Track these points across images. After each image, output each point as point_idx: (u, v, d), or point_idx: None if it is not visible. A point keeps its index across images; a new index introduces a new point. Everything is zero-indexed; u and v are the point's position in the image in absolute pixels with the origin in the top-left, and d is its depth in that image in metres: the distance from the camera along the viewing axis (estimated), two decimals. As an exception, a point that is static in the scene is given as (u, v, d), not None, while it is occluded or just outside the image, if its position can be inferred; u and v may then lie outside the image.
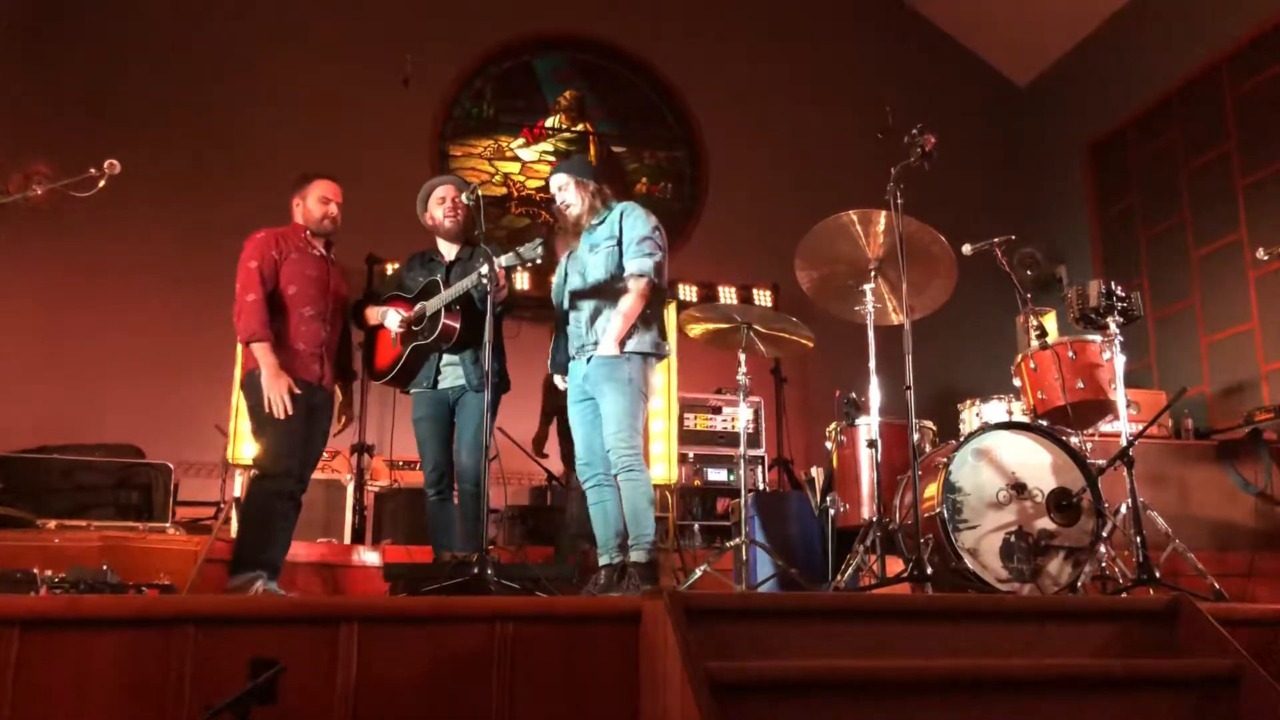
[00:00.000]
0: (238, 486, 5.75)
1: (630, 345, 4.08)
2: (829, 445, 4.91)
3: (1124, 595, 3.83)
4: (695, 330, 4.83)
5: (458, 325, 4.28)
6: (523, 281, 7.73)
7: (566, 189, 4.29)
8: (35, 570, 3.41)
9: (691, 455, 7.09)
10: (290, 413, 4.02)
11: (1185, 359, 7.88)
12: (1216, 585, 4.06)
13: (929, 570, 3.64)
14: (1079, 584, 3.87)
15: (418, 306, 4.38)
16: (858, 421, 4.72)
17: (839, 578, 4.22)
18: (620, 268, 4.17)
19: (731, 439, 7.14)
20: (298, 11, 8.78)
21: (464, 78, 9.21)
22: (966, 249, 4.71)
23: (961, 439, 4.12)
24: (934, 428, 4.91)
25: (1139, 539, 3.94)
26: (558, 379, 4.46)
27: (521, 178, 9.27)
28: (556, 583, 3.86)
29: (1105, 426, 4.93)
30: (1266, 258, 4.87)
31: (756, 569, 4.86)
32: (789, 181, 9.14)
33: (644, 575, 3.95)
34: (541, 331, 5.52)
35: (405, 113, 8.67)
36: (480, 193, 4.13)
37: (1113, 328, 4.28)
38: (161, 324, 7.80)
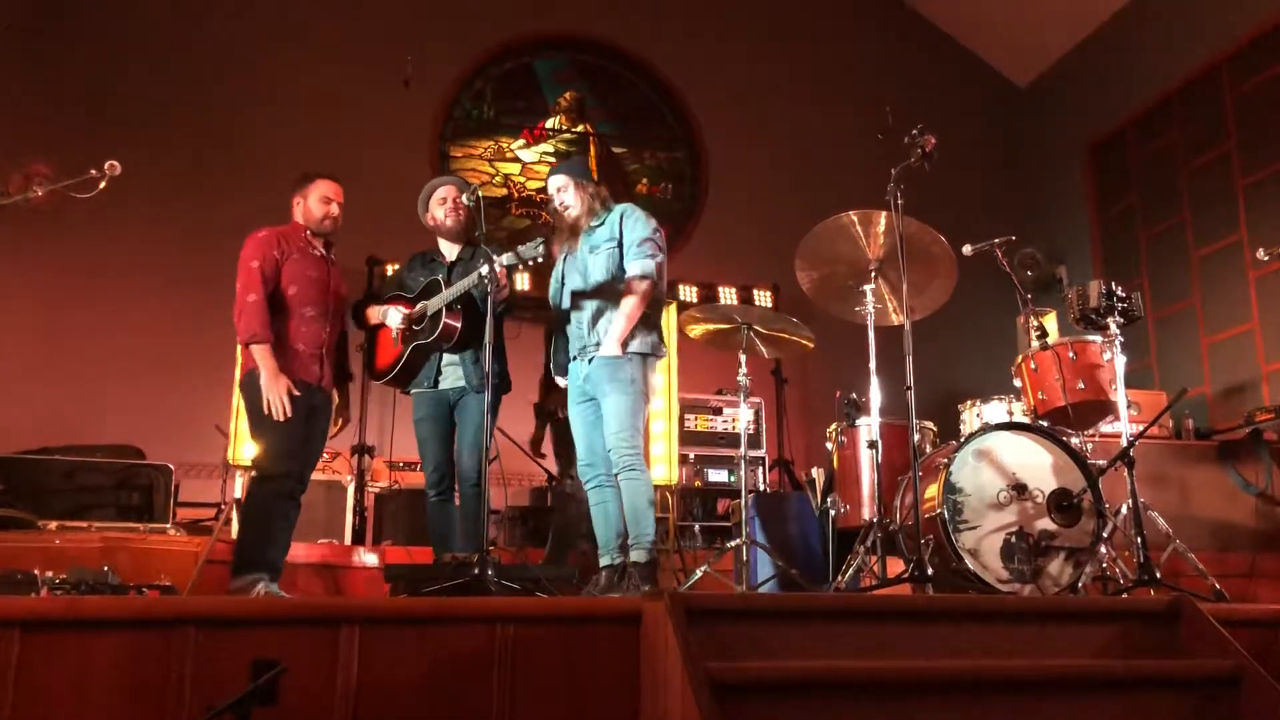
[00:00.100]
0: (238, 487, 5.75)
1: (632, 346, 4.09)
2: (829, 446, 4.91)
3: (1125, 596, 3.83)
4: (696, 331, 4.83)
5: (459, 325, 4.27)
6: (523, 282, 7.73)
7: (566, 190, 4.29)
8: (36, 571, 3.41)
9: (692, 456, 7.09)
10: (288, 415, 4.01)
11: (1186, 359, 7.88)
12: (1217, 586, 4.06)
13: (929, 571, 3.64)
14: (1080, 585, 3.87)
15: (419, 305, 4.38)
16: (858, 422, 4.72)
17: (840, 578, 4.22)
18: (621, 269, 4.18)
19: (732, 440, 7.14)
20: (298, 12, 8.78)
21: (464, 78, 9.21)
22: (967, 249, 4.71)
23: (962, 440, 4.12)
24: (934, 428, 4.91)
25: (1140, 539, 3.94)
26: (558, 380, 4.46)
27: (522, 179, 9.27)
28: (557, 584, 3.86)
29: (1106, 427, 4.93)
30: (1267, 258, 4.87)
31: (757, 570, 4.86)
32: (789, 182, 9.14)
33: (644, 575, 3.95)
34: (542, 332, 5.51)
35: (405, 113, 8.67)
36: (480, 194, 4.14)
37: (1113, 328, 4.28)
38: (162, 324, 7.80)
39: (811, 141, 9.45)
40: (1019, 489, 3.98)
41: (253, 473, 4.17)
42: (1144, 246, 8.49)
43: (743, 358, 4.75)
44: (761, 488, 7.01)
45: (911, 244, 4.11)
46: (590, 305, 4.19)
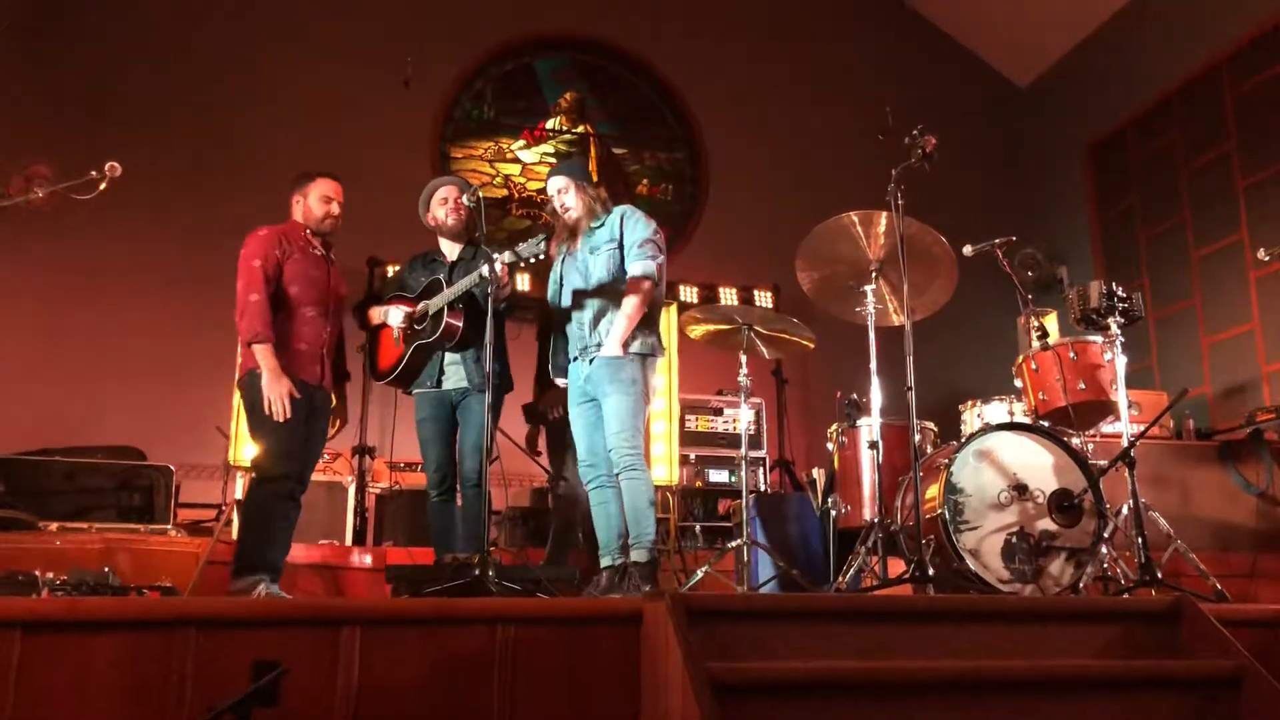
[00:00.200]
0: (239, 488, 5.75)
1: (633, 347, 4.10)
2: (830, 446, 4.91)
3: (1126, 596, 3.83)
4: (696, 331, 4.83)
5: (460, 324, 4.27)
6: (523, 282, 7.73)
7: (567, 192, 4.30)
8: (37, 572, 3.42)
9: (693, 456, 7.09)
10: (289, 416, 4.00)
11: (1186, 359, 7.88)
12: (1218, 586, 4.06)
13: (930, 571, 3.64)
14: (1081, 585, 3.87)
15: (420, 305, 4.38)
16: (859, 423, 4.72)
17: (841, 579, 4.22)
18: (622, 270, 4.20)
19: (733, 440, 7.14)
20: (298, 12, 8.78)
21: (464, 79, 9.21)
22: (967, 250, 4.71)
23: (963, 440, 4.12)
24: (935, 429, 4.91)
25: (1140, 540, 3.94)
26: (557, 381, 4.46)
27: (522, 179, 9.27)
28: (558, 584, 3.86)
29: (1106, 427, 4.93)
30: (1267, 258, 4.87)
31: (758, 570, 4.86)
32: (790, 182, 9.14)
33: (644, 575, 3.96)
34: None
35: (406, 114, 8.67)
36: (481, 194, 4.14)
37: (1114, 328, 4.28)
38: (162, 325, 7.80)
39: (812, 142, 9.45)
40: (1020, 489, 3.98)
41: (252, 474, 4.16)
42: (1144, 247, 8.48)
43: (743, 358, 4.74)
44: (762, 488, 7.01)
45: (912, 244, 4.11)
46: (591, 306, 4.20)
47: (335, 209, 4.34)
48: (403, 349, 4.39)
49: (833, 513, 4.69)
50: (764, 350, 4.92)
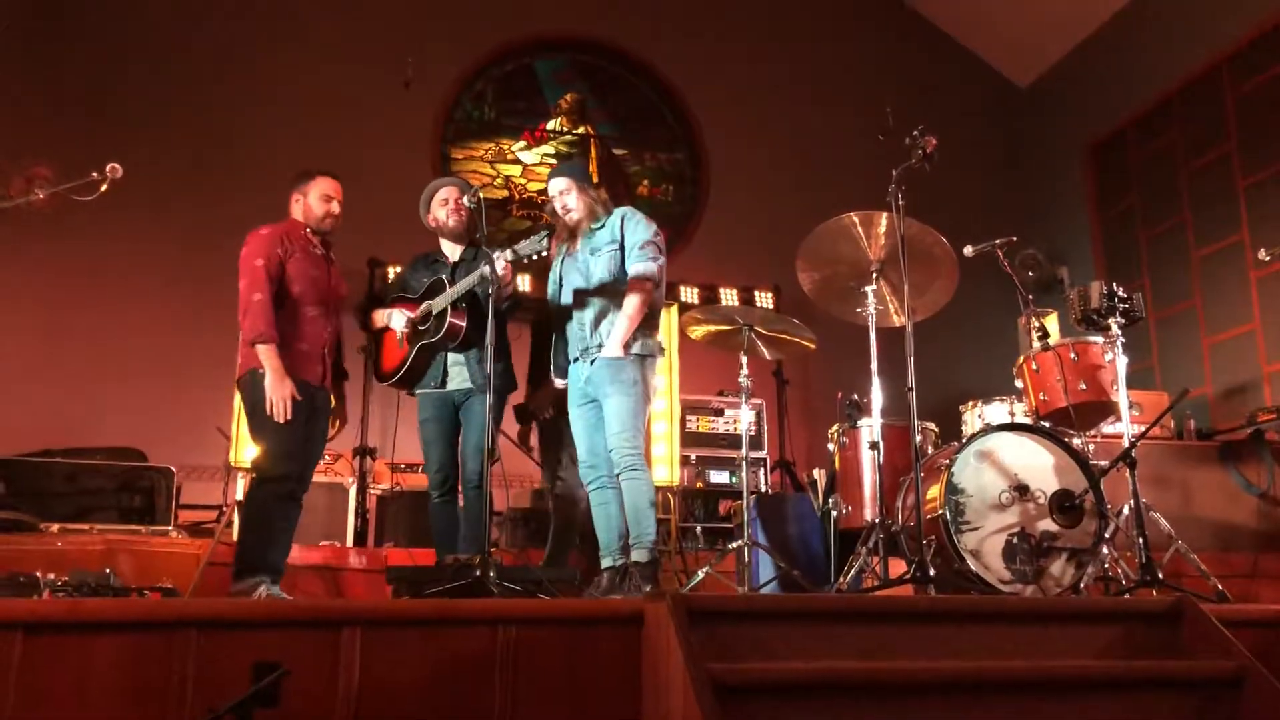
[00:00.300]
0: (239, 490, 5.75)
1: (634, 348, 4.11)
2: (831, 447, 4.91)
3: (1127, 596, 3.83)
4: (697, 332, 4.83)
5: (464, 324, 4.27)
6: (524, 283, 7.73)
7: (569, 193, 4.30)
8: (38, 573, 3.42)
9: (693, 457, 7.09)
10: (290, 417, 4.00)
11: (1187, 360, 7.88)
12: (1220, 586, 4.05)
13: (931, 572, 3.64)
14: (1081, 585, 3.87)
15: (424, 305, 4.38)
16: (860, 423, 4.72)
17: (841, 580, 4.22)
18: (623, 271, 4.20)
19: (733, 441, 7.14)
20: (298, 13, 8.78)
21: (465, 80, 9.21)
22: (968, 250, 4.71)
23: (964, 440, 4.12)
24: (936, 429, 4.90)
25: (1141, 540, 3.93)
26: (557, 381, 4.46)
27: (523, 180, 9.27)
28: (559, 585, 3.86)
29: (1107, 428, 4.92)
30: (1268, 258, 4.86)
31: (759, 571, 4.86)
32: (790, 183, 9.14)
33: (645, 575, 3.96)
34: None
35: (406, 115, 8.67)
36: (481, 195, 4.14)
37: (1114, 329, 4.28)
38: (163, 326, 7.80)
39: (812, 142, 9.44)
40: (1021, 490, 3.98)
41: (253, 475, 4.16)
42: (1145, 247, 8.48)
43: (744, 359, 4.74)
44: (763, 489, 7.01)
45: (913, 245, 4.11)
46: (592, 307, 4.20)
47: (335, 208, 4.33)
48: (407, 350, 4.39)
49: (834, 513, 4.69)
50: (765, 351, 4.93)
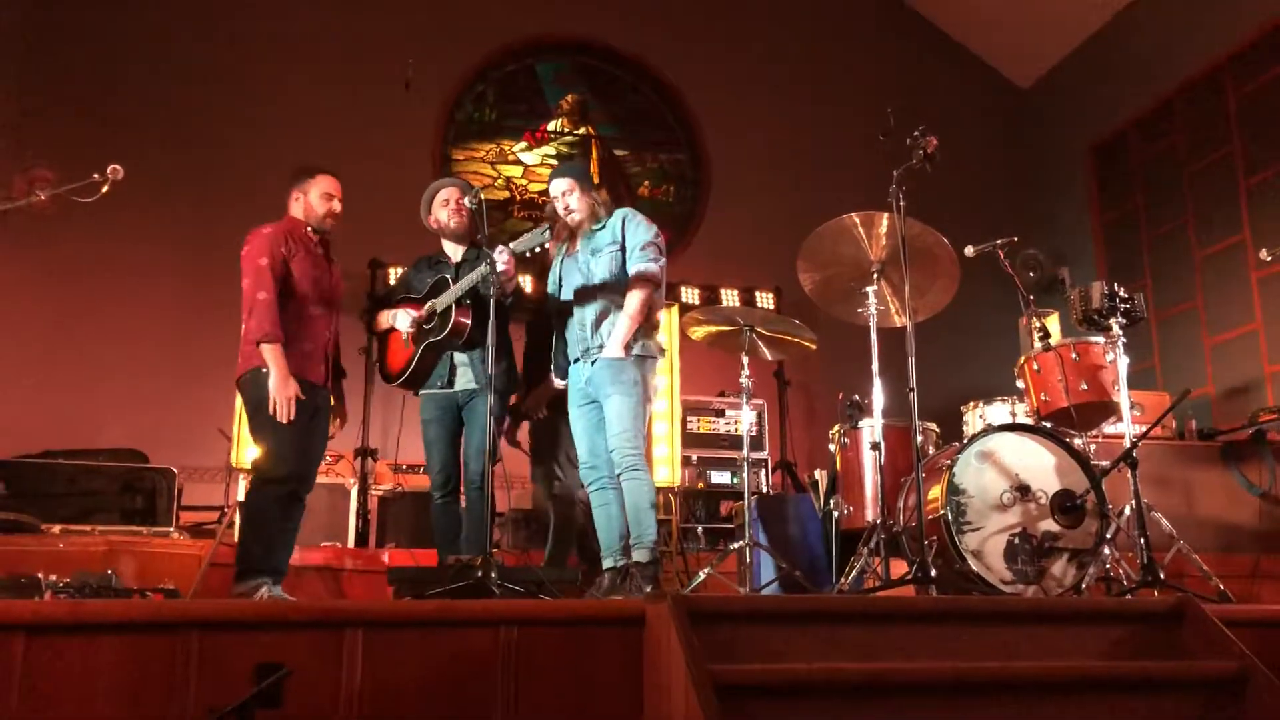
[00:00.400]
0: (241, 490, 5.75)
1: (635, 349, 4.11)
2: (832, 448, 4.90)
3: (1128, 597, 3.82)
4: (698, 333, 4.83)
5: (469, 321, 4.26)
6: (525, 284, 7.73)
7: (572, 194, 4.31)
8: (40, 575, 3.42)
9: (695, 458, 7.09)
10: (293, 417, 3.99)
11: (1189, 360, 7.87)
12: (1221, 587, 4.05)
13: (933, 573, 3.63)
14: (1083, 586, 3.87)
15: (428, 305, 4.38)
16: (861, 424, 4.72)
17: (843, 580, 4.22)
18: (624, 272, 4.21)
19: (735, 442, 7.14)
20: (299, 14, 8.79)
21: (466, 81, 9.22)
22: (969, 251, 4.71)
23: (965, 441, 4.12)
24: (937, 430, 4.90)
25: (1143, 541, 3.93)
26: (557, 382, 4.47)
27: (524, 181, 9.28)
28: (560, 586, 3.86)
29: (1109, 428, 4.92)
30: (1270, 259, 4.86)
31: (760, 572, 4.86)
32: (791, 184, 9.14)
33: (646, 575, 3.96)
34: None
35: (407, 116, 8.67)
36: (483, 196, 4.14)
37: (1116, 329, 4.27)
38: (164, 328, 7.80)
39: (813, 143, 9.44)
40: (1022, 490, 3.98)
41: (253, 476, 4.15)
42: (1147, 247, 8.48)
43: (745, 360, 4.74)
44: (764, 490, 7.01)
45: (914, 245, 4.10)
46: (592, 308, 4.21)
47: (337, 206, 4.31)
48: (413, 350, 4.39)
49: (835, 514, 4.69)
50: (766, 352, 4.92)
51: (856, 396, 4.70)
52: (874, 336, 4.29)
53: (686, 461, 6.93)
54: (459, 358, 4.41)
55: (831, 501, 4.75)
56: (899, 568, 4.20)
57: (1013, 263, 4.90)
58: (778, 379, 7.77)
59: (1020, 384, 4.65)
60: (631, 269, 4.20)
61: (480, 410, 4.27)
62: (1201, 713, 2.84)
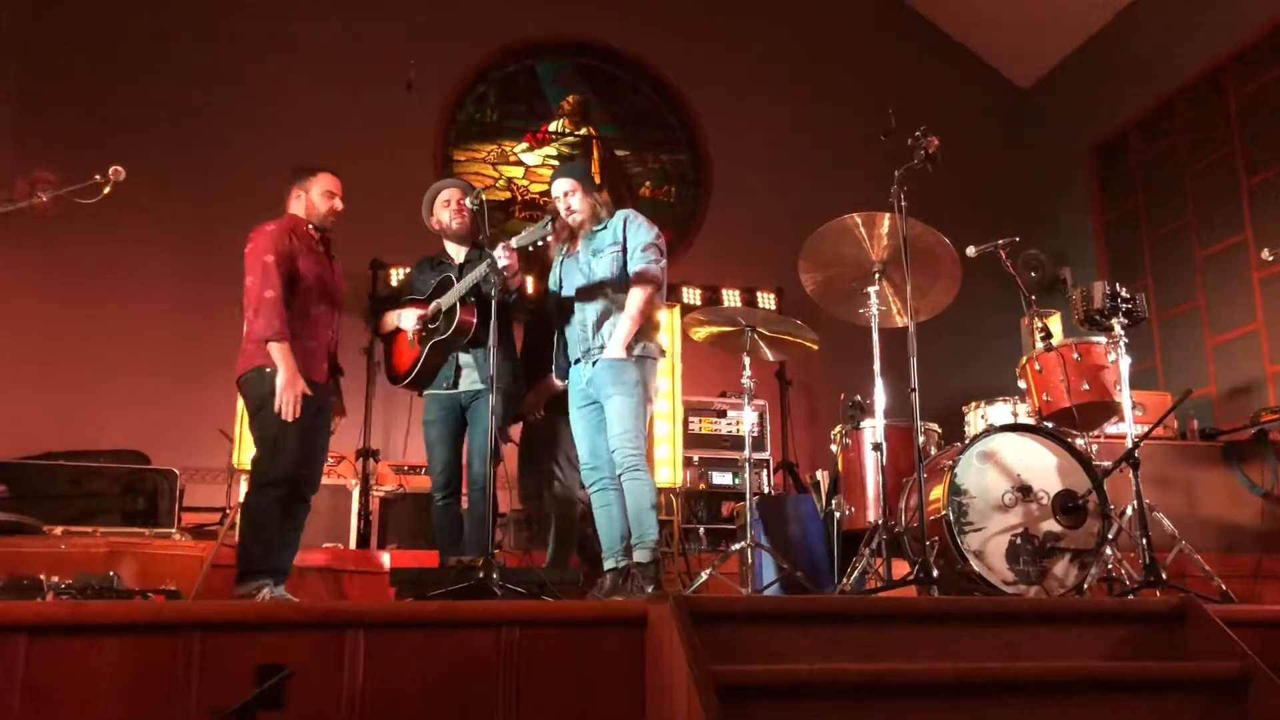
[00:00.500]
0: (242, 491, 5.75)
1: (636, 349, 4.11)
2: (834, 448, 4.90)
3: (1130, 597, 3.82)
4: (699, 333, 4.83)
5: (474, 320, 4.26)
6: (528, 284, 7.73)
7: (574, 194, 4.30)
8: (42, 576, 3.42)
9: (696, 458, 7.08)
10: (298, 416, 3.96)
11: (1190, 360, 7.87)
12: (1223, 587, 4.05)
13: (935, 573, 3.63)
14: (1085, 586, 3.87)
15: (433, 304, 4.38)
16: (863, 424, 4.71)
17: (845, 581, 4.22)
18: (625, 273, 4.21)
19: (736, 442, 7.14)
20: (300, 15, 8.79)
21: (467, 82, 9.22)
22: (971, 251, 4.71)
23: (967, 441, 4.12)
24: (939, 430, 4.90)
25: (1145, 541, 3.93)
26: (557, 383, 4.47)
27: (525, 182, 9.28)
28: (562, 586, 3.86)
29: (1111, 428, 4.91)
30: (1272, 258, 4.86)
31: (762, 573, 4.86)
32: (792, 184, 9.13)
33: (647, 575, 3.96)
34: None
35: (409, 117, 8.67)
36: (484, 197, 4.14)
37: (1118, 329, 4.27)
38: (165, 329, 7.81)
39: (815, 143, 9.44)
40: (1024, 491, 3.98)
41: (253, 476, 4.12)
42: (1148, 248, 8.47)
43: (747, 360, 4.74)
44: (766, 490, 7.01)
45: (915, 246, 4.10)
46: (593, 309, 4.21)
47: (338, 204, 4.29)
48: (419, 350, 4.38)
49: (837, 515, 4.68)
50: (767, 352, 4.92)
51: (858, 397, 4.69)
52: (875, 337, 4.29)
53: (688, 462, 6.93)
54: (464, 358, 4.41)
55: (833, 502, 4.75)
56: (901, 568, 4.20)
57: (1014, 263, 4.90)
58: (779, 379, 7.77)
59: (1022, 384, 4.65)
60: (632, 270, 4.20)
61: (483, 411, 4.26)
62: (1204, 713, 2.84)
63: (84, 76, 8.25)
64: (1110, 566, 4.04)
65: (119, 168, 3.91)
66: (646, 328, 4.18)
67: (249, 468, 4.15)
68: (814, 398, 8.42)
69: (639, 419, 4.07)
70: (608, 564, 4.14)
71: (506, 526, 6.06)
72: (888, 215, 4.18)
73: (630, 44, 9.53)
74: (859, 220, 4.27)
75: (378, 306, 4.69)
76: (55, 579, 3.43)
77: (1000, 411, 4.78)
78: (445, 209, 4.53)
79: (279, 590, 3.94)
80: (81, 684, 2.68)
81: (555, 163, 9.19)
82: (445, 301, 4.31)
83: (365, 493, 6.37)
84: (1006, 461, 4.03)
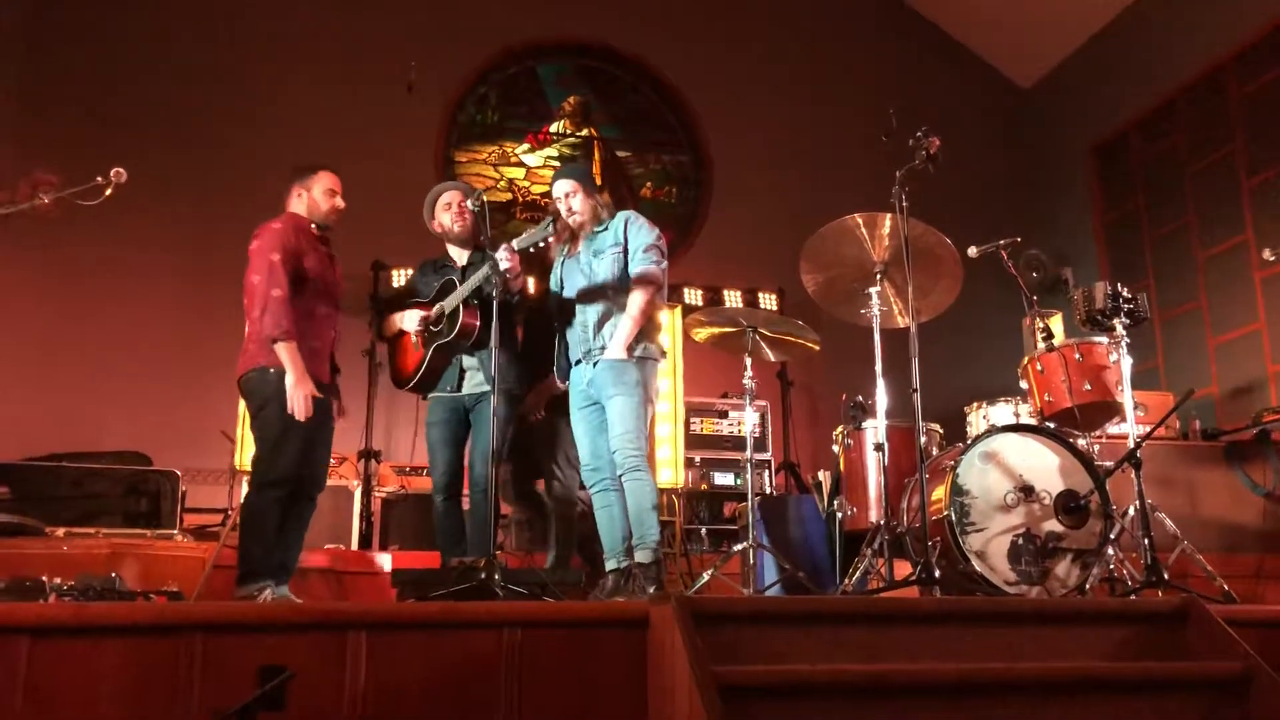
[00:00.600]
0: (244, 492, 5.75)
1: (636, 350, 4.12)
2: (836, 449, 4.90)
3: (1133, 597, 3.82)
4: (701, 334, 4.83)
5: (477, 322, 4.25)
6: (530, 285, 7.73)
7: (575, 195, 4.30)
8: (44, 578, 3.42)
9: (698, 459, 7.08)
10: (309, 415, 3.94)
11: (1192, 360, 7.86)
12: (1225, 587, 4.04)
13: (937, 573, 3.63)
14: (1087, 586, 3.87)
15: (436, 307, 4.38)
16: (864, 425, 4.71)
17: (847, 581, 4.22)
18: (626, 274, 4.21)
19: (738, 443, 7.13)
20: (302, 16, 8.80)
21: (468, 83, 9.22)
22: (972, 251, 4.71)
23: (969, 442, 4.12)
24: (941, 431, 4.90)
25: (1147, 541, 3.93)
26: (560, 384, 4.47)
27: (526, 183, 9.28)
28: (563, 587, 3.86)
29: (1112, 428, 4.91)
30: (1273, 258, 4.86)
31: (764, 573, 4.86)
32: (794, 185, 9.13)
33: (649, 576, 3.96)
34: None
35: (409, 117, 8.66)
36: (485, 198, 4.14)
37: (1119, 329, 4.27)
38: (167, 330, 7.81)
39: (816, 144, 9.44)
40: (1026, 491, 3.98)
41: (253, 477, 4.10)
42: (1149, 248, 8.47)
43: (748, 361, 4.74)
44: (768, 491, 7.00)
45: (916, 246, 4.10)
46: (594, 310, 4.21)
47: (340, 202, 4.28)
48: (423, 352, 4.38)
49: (838, 515, 4.68)
50: (769, 353, 4.92)
51: (860, 397, 4.69)
52: (877, 337, 4.29)
53: (690, 463, 6.93)
54: (468, 361, 4.41)
55: (835, 503, 4.75)
56: (903, 569, 4.20)
57: (1016, 263, 4.90)
58: (781, 380, 7.77)
59: (1024, 384, 4.65)
60: (633, 271, 4.20)
61: (487, 414, 4.26)
62: (1206, 713, 2.84)
63: (84, 76, 8.26)
64: (1112, 567, 4.03)
65: (120, 169, 3.90)
66: (648, 328, 4.18)
67: (250, 469, 4.14)
68: (816, 398, 8.42)
69: (640, 420, 4.07)
70: (609, 565, 4.14)
71: (508, 527, 6.06)
72: (889, 216, 4.18)
73: (630, 44, 9.53)
74: (860, 221, 4.27)
75: (381, 310, 4.68)
76: (57, 580, 3.43)
77: (1002, 412, 4.78)
78: (446, 212, 4.53)
79: (282, 590, 3.94)
80: (83, 685, 2.68)
81: (556, 164, 9.19)
82: (448, 304, 4.31)
83: (367, 494, 6.36)
84: (1008, 462, 4.03)
